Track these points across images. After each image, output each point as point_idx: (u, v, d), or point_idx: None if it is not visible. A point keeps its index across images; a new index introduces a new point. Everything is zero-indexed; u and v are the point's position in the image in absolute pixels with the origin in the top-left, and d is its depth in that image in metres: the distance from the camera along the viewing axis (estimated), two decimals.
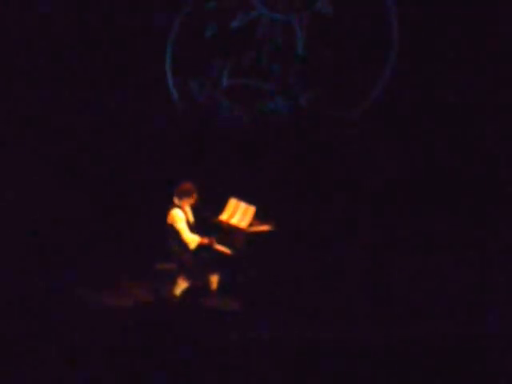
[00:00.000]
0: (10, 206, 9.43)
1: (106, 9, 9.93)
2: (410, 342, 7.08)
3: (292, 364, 6.86)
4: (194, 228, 8.29)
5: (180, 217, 8.12)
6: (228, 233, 8.39)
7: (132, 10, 9.91)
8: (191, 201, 8.24)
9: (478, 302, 8.02)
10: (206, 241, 8.21)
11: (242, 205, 8.46)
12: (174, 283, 8.23)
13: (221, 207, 8.57)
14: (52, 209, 9.50)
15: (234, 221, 8.42)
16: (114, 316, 7.83)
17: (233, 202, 8.54)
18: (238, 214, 8.45)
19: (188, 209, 8.28)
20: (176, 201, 8.19)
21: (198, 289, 8.27)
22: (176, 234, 8.12)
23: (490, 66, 9.48)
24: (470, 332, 7.38)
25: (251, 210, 8.39)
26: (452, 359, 6.76)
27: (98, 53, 9.99)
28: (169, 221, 8.16)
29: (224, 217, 8.49)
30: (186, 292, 8.21)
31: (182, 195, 8.19)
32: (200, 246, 8.19)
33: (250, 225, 8.37)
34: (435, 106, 9.65)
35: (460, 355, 6.84)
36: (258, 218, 8.43)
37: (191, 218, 8.31)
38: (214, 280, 8.37)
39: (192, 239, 8.14)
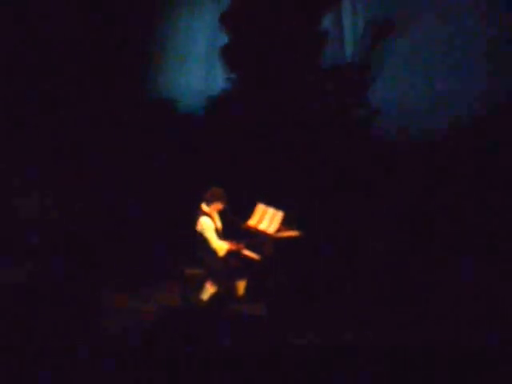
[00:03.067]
0: (36, 210, 9.52)
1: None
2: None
3: (318, 369, 6.85)
4: (222, 234, 8.28)
5: (209, 225, 8.11)
6: (256, 238, 8.37)
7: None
8: (220, 206, 8.22)
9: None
10: (234, 247, 8.20)
11: (270, 210, 8.43)
12: (201, 288, 8.24)
13: (249, 213, 8.56)
14: (80, 212, 9.57)
15: (263, 226, 8.39)
16: (141, 319, 7.89)
17: (261, 208, 8.51)
18: (266, 219, 8.42)
19: (216, 215, 8.26)
20: (204, 207, 8.19)
21: (226, 294, 8.27)
22: (205, 241, 8.10)
23: None
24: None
25: (279, 215, 8.35)
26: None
27: None
28: (198, 228, 8.15)
29: (252, 222, 8.47)
30: (213, 297, 8.22)
31: (211, 201, 8.17)
32: (229, 252, 8.18)
33: (278, 230, 8.33)
34: None
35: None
36: (286, 223, 8.40)
37: (219, 225, 8.29)
38: (242, 286, 8.36)
39: (221, 247, 8.13)
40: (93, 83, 9.97)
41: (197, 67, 10.60)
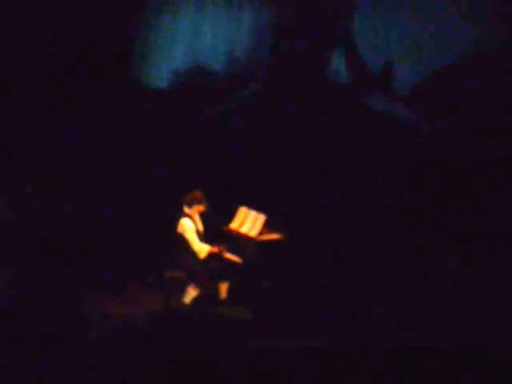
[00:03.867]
0: (18, 218, 9.50)
1: None
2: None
3: (302, 372, 6.85)
4: (203, 236, 8.28)
5: (189, 226, 8.12)
6: (238, 241, 8.38)
7: None
8: (201, 209, 8.23)
9: None
10: (215, 250, 8.20)
11: (252, 213, 8.45)
12: (183, 292, 8.23)
13: (231, 216, 8.56)
14: (61, 217, 9.55)
15: (244, 229, 8.40)
16: (123, 324, 7.86)
17: (243, 211, 8.52)
18: (247, 222, 8.43)
19: (197, 217, 8.27)
20: (185, 209, 8.19)
21: (208, 297, 8.27)
22: (186, 243, 8.10)
23: None
24: None
25: (261, 218, 8.36)
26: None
27: None
28: (179, 230, 8.15)
29: (234, 225, 8.48)
30: (195, 300, 8.22)
31: (192, 203, 8.18)
32: (210, 255, 8.19)
33: (260, 233, 8.35)
34: None
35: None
36: (268, 226, 8.41)
37: (200, 227, 8.30)
38: (224, 288, 8.36)
39: (202, 249, 8.13)
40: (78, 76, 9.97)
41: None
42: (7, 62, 9.95)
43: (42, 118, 9.97)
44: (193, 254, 8.11)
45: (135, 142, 10.07)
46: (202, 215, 8.30)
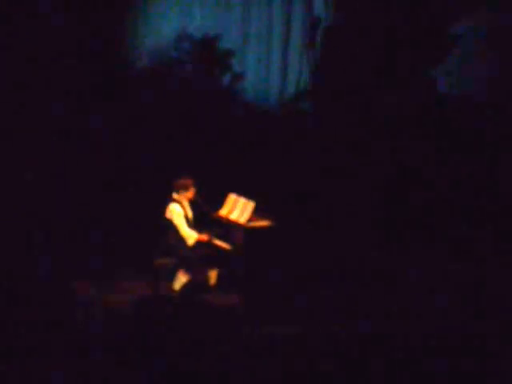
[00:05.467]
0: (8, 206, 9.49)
1: None
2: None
3: (289, 360, 6.88)
4: (192, 223, 8.30)
5: (178, 211, 8.13)
6: (227, 228, 8.38)
7: None
8: (189, 195, 8.23)
9: None
10: (204, 237, 8.21)
11: (241, 200, 8.46)
12: (173, 278, 8.24)
13: (220, 202, 8.57)
14: (50, 205, 9.55)
15: (233, 216, 8.41)
16: (112, 311, 7.87)
17: (232, 198, 8.53)
18: (237, 209, 8.44)
19: (186, 203, 8.28)
20: (174, 195, 8.20)
21: (197, 284, 8.29)
22: (174, 228, 8.12)
23: None
24: None
25: (250, 205, 8.37)
26: None
27: None
28: (167, 215, 8.16)
29: (223, 212, 8.49)
30: (185, 287, 8.23)
31: (181, 190, 8.19)
32: (199, 242, 8.20)
33: (249, 220, 8.36)
34: None
35: None
36: (257, 213, 8.42)
37: (190, 213, 8.31)
38: (213, 275, 8.38)
39: (190, 235, 8.15)
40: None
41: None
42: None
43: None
44: (182, 240, 8.13)
45: (121, 127, 10.06)
46: (192, 202, 8.32)
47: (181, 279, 8.25)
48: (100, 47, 10.04)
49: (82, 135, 10.04)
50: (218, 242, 8.29)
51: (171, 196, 8.19)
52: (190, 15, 10.44)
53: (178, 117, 10.14)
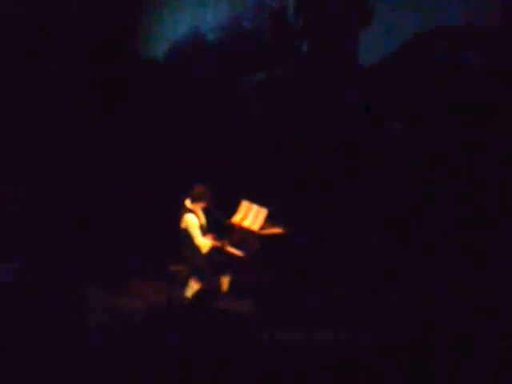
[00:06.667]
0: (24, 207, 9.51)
1: None
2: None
3: (303, 365, 6.89)
4: (206, 230, 8.32)
5: (193, 222, 8.13)
6: (240, 235, 8.40)
7: None
8: (204, 204, 8.24)
9: None
10: (218, 244, 8.23)
11: (255, 207, 8.47)
12: (185, 285, 8.26)
13: (233, 210, 8.59)
14: (65, 209, 9.56)
15: (246, 223, 8.42)
16: (126, 317, 7.89)
17: (245, 205, 8.54)
18: (250, 216, 8.45)
19: (200, 212, 8.29)
20: (189, 204, 8.22)
21: (210, 291, 8.30)
22: (189, 238, 8.14)
23: None
24: None
25: (263, 212, 8.38)
26: None
27: None
28: (182, 225, 8.18)
29: (236, 219, 8.50)
30: (197, 294, 8.25)
31: (196, 199, 8.20)
32: (212, 249, 8.22)
33: (262, 227, 8.37)
34: None
35: None
36: (270, 220, 8.44)
37: (204, 221, 8.32)
38: (226, 282, 8.39)
39: (204, 244, 8.17)
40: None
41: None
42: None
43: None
44: (195, 249, 8.15)
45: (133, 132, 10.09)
46: (205, 209, 8.33)
47: (193, 287, 8.26)
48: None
49: (97, 141, 10.08)
50: (231, 249, 8.31)
51: (185, 204, 8.22)
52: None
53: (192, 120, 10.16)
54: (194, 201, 8.19)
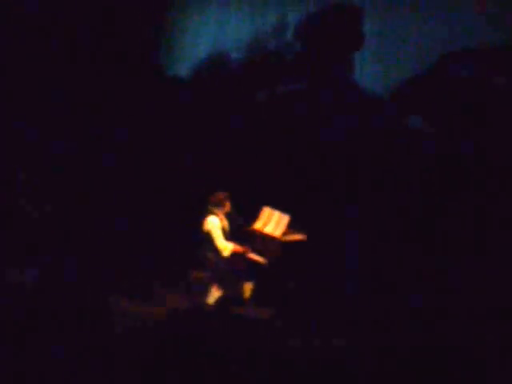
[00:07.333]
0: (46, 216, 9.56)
1: None
2: None
3: (323, 373, 6.85)
4: (229, 236, 8.32)
5: (216, 224, 8.16)
6: (262, 242, 8.38)
7: None
8: (226, 209, 8.28)
9: None
10: (240, 249, 8.23)
11: (276, 214, 8.45)
12: (207, 292, 8.25)
13: (255, 216, 8.58)
14: (88, 217, 9.61)
15: (268, 229, 8.40)
16: (148, 323, 7.90)
17: (267, 211, 8.52)
18: (271, 222, 8.43)
19: (223, 216, 8.31)
20: (211, 208, 8.24)
21: (232, 297, 8.29)
22: (211, 240, 8.15)
23: None
24: None
25: (285, 218, 8.36)
26: None
27: None
28: (205, 227, 8.20)
29: (258, 225, 8.48)
30: (219, 300, 8.24)
31: (216, 205, 8.23)
32: (234, 255, 8.21)
33: (284, 234, 8.35)
34: None
35: None
36: (293, 227, 8.41)
37: (226, 226, 8.33)
38: (248, 289, 8.37)
39: (225, 246, 8.16)
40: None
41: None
42: None
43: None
44: (217, 253, 8.15)
45: (160, 138, 10.14)
46: (227, 215, 8.34)
47: (214, 294, 8.25)
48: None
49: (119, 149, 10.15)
50: (253, 256, 8.29)
51: (208, 208, 8.24)
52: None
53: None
54: (215, 207, 8.21)
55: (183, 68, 10.55)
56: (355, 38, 10.15)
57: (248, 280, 8.34)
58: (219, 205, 8.22)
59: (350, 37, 10.21)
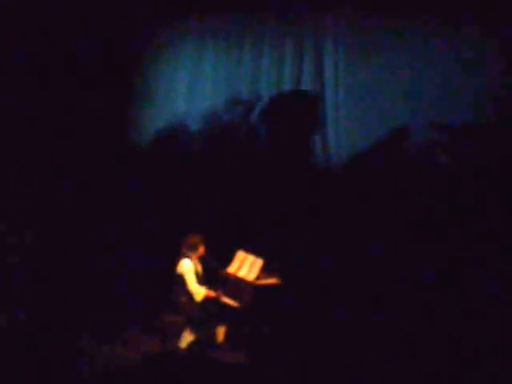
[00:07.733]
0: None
1: None
2: None
3: None
4: (202, 279, 8.33)
5: (189, 267, 8.18)
6: (236, 285, 8.39)
7: None
8: (199, 252, 8.31)
9: None
10: (212, 294, 8.23)
11: (250, 257, 8.49)
12: (180, 335, 8.23)
13: (229, 260, 8.60)
14: (61, 257, 9.61)
15: (242, 273, 8.43)
16: (121, 367, 7.85)
17: (241, 255, 8.56)
18: (245, 266, 8.47)
19: (196, 260, 8.34)
20: (185, 252, 8.26)
21: (204, 341, 8.26)
22: (184, 284, 8.16)
23: None
24: None
25: (259, 262, 8.40)
26: None
27: None
28: (178, 270, 8.22)
29: (231, 269, 8.51)
30: (192, 344, 8.21)
31: (190, 248, 8.27)
32: (207, 299, 8.21)
33: (258, 278, 8.37)
34: None
35: None
36: (266, 270, 8.44)
37: (200, 269, 8.36)
38: (221, 332, 8.36)
39: (198, 291, 8.17)
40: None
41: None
42: None
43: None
44: (190, 296, 8.15)
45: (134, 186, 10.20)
46: (200, 258, 8.37)
47: (187, 338, 8.22)
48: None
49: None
50: (226, 299, 8.30)
51: (182, 251, 8.26)
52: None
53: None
54: (188, 249, 8.24)
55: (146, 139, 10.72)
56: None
57: (221, 324, 8.34)
58: (193, 248, 8.26)
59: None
